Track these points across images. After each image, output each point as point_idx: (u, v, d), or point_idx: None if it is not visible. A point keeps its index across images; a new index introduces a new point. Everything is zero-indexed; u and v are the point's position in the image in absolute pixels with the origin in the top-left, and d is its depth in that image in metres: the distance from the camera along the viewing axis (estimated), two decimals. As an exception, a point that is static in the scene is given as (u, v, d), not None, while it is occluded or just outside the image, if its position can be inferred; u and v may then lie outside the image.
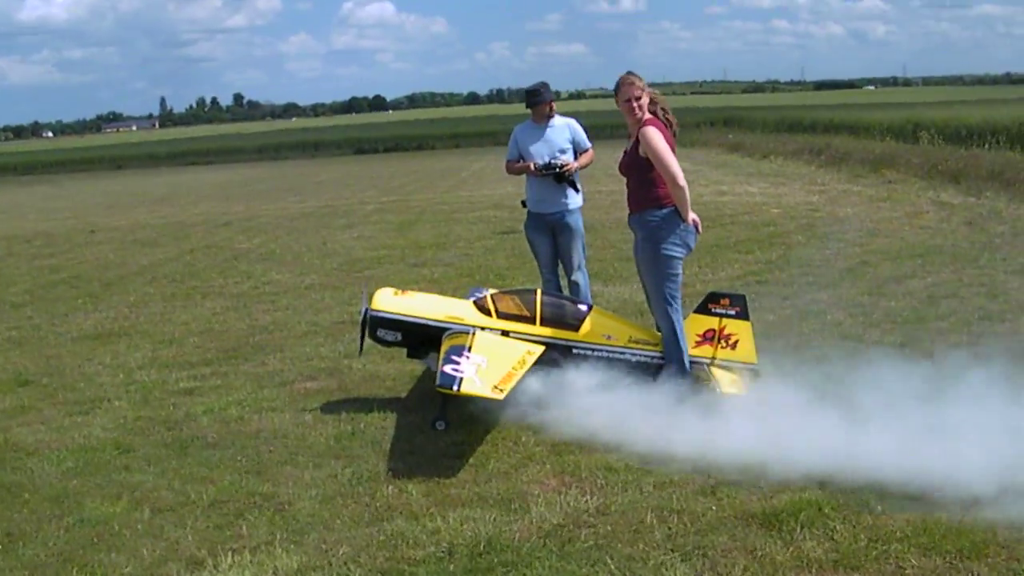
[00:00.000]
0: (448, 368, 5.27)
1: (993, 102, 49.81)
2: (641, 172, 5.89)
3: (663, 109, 5.97)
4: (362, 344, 6.57)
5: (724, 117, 53.68)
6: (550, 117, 8.09)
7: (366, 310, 6.25)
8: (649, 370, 6.05)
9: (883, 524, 4.30)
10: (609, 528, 4.41)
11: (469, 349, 5.59)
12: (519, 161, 8.11)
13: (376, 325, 6.19)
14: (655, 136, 5.77)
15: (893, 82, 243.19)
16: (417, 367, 7.34)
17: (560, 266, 8.18)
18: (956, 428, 4.93)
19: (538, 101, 8.00)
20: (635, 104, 5.88)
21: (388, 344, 6.34)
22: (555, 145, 8.02)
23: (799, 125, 41.05)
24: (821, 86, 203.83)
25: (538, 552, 4.19)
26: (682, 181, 5.76)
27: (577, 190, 8.00)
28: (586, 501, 4.70)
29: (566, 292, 8.23)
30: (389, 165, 41.96)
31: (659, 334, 6.18)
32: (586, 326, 6.15)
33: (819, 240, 12.82)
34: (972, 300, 8.60)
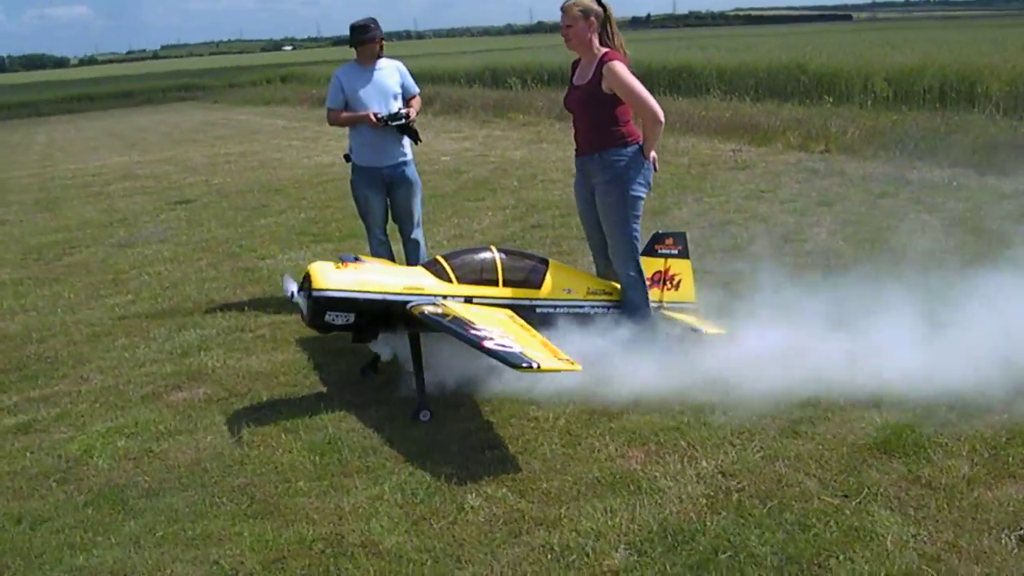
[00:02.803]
0: (494, 345, 4.48)
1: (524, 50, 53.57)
2: (604, 108, 5.45)
3: (615, 34, 5.53)
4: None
5: (281, 74, 52.30)
6: (378, 58, 7.19)
7: (310, 292, 5.08)
8: (608, 321, 5.67)
9: (980, 434, 4.46)
10: (762, 487, 4.10)
11: (472, 321, 4.81)
12: (345, 109, 7.12)
13: (324, 308, 5.06)
14: (625, 71, 5.37)
15: (407, 36, 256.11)
16: (292, 353, 6.28)
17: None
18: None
19: (367, 39, 7.07)
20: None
21: (334, 329, 5.24)
22: (388, 91, 7.17)
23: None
24: (337, 42, 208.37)
25: (736, 529, 3.76)
26: (662, 116, 5.43)
27: (419, 140, 7.23)
28: (701, 466, 4.32)
29: (399, 254, 7.51)
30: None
31: (610, 283, 5.83)
32: (547, 282, 5.60)
33: (535, 183, 12.99)
34: (750, 225, 9.27)
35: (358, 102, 7.08)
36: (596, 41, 5.45)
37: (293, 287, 5.23)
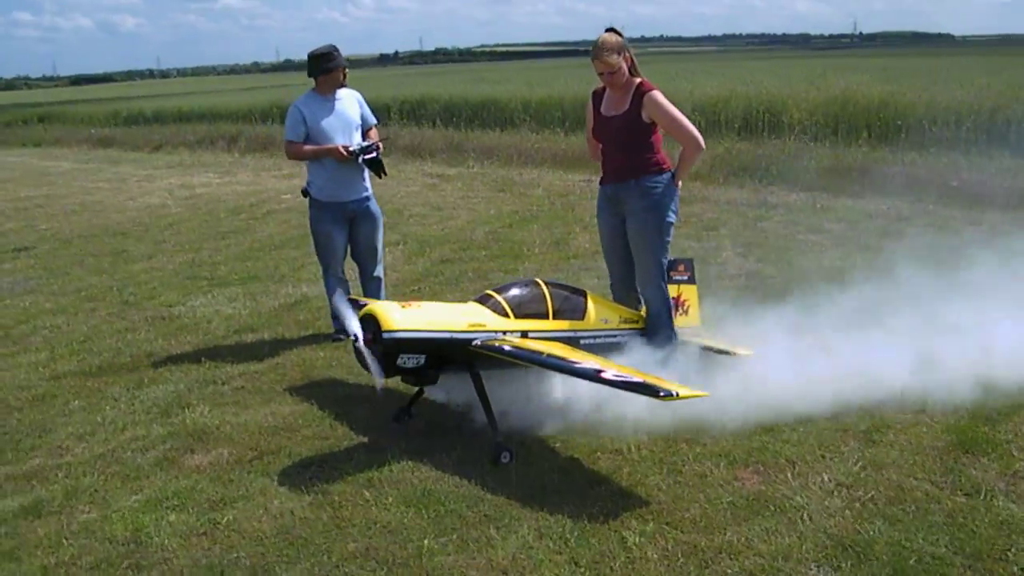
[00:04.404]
0: (613, 376, 4.41)
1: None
2: (641, 136, 5.57)
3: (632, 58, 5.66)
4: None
5: (39, 114, 48.06)
6: (340, 87, 6.92)
7: (380, 335, 4.74)
8: (641, 346, 5.73)
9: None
10: (889, 494, 4.31)
11: (565, 356, 4.75)
12: (306, 142, 6.79)
13: (396, 351, 4.76)
14: (666, 100, 5.53)
15: (150, 74, 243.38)
16: (295, 404, 5.87)
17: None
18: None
19: (331, 67, 6.82)
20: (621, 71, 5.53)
21: (402, 373, 4.94)
22: (350, 122, 6.95)
23: (142, 117, 38.55)
24: (77, 80, 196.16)
25: (901, 535, 3.94)
26: (704, 143, 5.61)
27: (385, 174, 7.02)
28: (820, 480, 4.47)
29: (354, 292, 7.23)
30: None
31: (633, 312, 5.91)
32: (590, 313, 5.58)
33: (404, 218, 12.76)
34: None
35: (321, 134, 6.78)
36: (623, 75, 5.56)
37: (355, 331, 4.82)
